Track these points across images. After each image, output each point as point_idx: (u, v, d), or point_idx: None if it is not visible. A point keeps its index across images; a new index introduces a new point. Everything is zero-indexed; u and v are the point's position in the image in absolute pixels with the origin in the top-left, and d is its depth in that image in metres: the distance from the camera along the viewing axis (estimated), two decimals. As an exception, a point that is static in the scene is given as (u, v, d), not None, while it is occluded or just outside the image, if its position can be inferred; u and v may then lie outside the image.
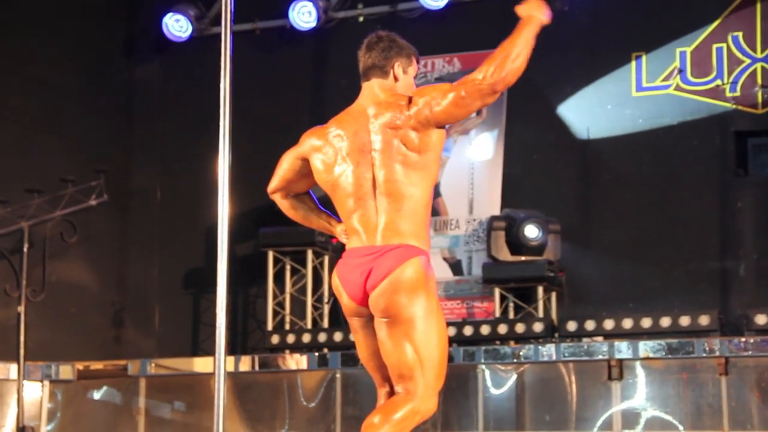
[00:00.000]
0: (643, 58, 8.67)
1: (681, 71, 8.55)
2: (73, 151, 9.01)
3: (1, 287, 7.88)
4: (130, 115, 9.90)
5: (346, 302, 3.93)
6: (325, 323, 8.70)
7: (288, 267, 8.89)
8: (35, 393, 7.88)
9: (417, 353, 3.79)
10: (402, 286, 3.79)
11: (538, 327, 7.76)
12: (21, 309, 7.42)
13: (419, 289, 3.80)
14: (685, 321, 7.47)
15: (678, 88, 8.58)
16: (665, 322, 7.50)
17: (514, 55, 3.86)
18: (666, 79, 8.61)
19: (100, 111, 9.52)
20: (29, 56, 8.99)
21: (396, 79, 4.04)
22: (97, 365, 8.05)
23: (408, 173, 3.88)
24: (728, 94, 8.43)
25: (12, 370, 7.61)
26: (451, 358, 7.23)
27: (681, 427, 6.83)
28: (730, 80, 8.41)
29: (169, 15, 9.48)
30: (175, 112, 9.77)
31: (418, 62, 4.12)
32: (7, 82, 8.85)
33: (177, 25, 9.51)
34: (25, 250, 7.59)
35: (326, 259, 8.85)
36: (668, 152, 8.59)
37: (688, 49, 8.56)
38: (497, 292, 8.39)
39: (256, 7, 9.39)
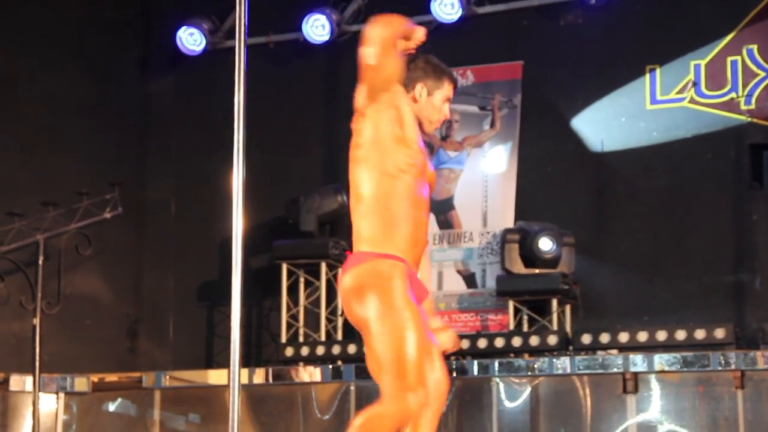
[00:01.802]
0: (657, 71, 8.66)
1: (695, 84, 8.53)
2: (87, 165, 9.04)
3: (16, 300, 7.90)
4: (144, 129, 9.94)
5: None
6: (339, 335, 8.70)
7: (302, 279, 8.89)
8: (50, 405, 7.90)
9: (378, 357, 3.74)
10: (350, 295, 3.81)
11: (552, 340, 7.74)
12: (36, 321, 7.44)
13: (364, 294, 3.77)
14: (700, 334, 7.44)
15: (692, 101, 8.56)
16: (680, 335, 7.48)
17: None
18: (680, 92, 8.60)
19: (115, 124, 9.55)
20: (44, 70, 9.03)
21: (415, 100, 4.03)
22: (111, 377, 8.07)
23: (358, 172, 3.87)
24: (743, 107, 8.41)
25: (27, 382, 7.63)
26: (465, 371, 7.24)
27: (696, 441, 6.81)
28: (745, 93, 8.40)
29: (183, 29, 9.52)
30: (189, 125, 9.81)
31: (455, 86, 4.10)
32: (22, 96, 8.89)
33: (191, 39, 9.54)
34: (41, 262, 7.61)
35: (340, 271, 8.84)
36: (683, 165, 8.57)
37: (703, 62, 8.55)
38: (511, 304, 8.37)
39: (269, 21, 9.42)
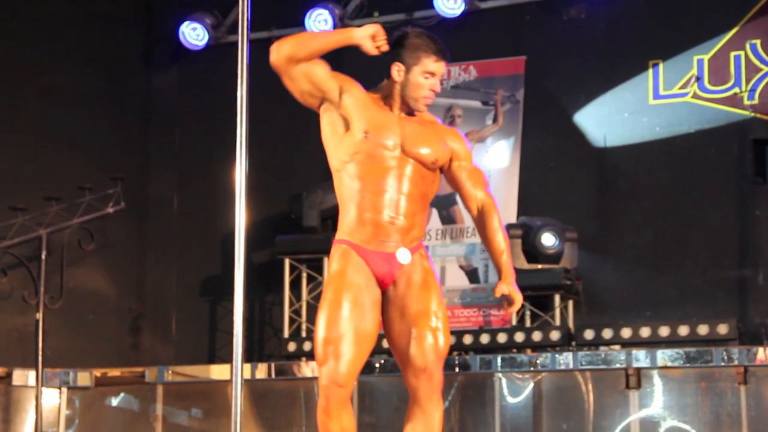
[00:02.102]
0: (660, 65, 8.65)
1: (699, 79, 8.52)
2: (90, 159, 9.04)
3: (19, 294, 7.91)
4: (147, 123, 9.94)
5: None
6: (342, 331, 8.69)
7: (304, 274, 8.89)
8: (53, 400, 7.90)
9: None
10: None
11: (555, 335, 7.74)
12: (39, 316, 7.44)
13: None
14: (703, 330, 7.44)
15: (695, 95, 8.55)
16: (683, 330, 7.47)
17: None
18: (683, 86, 8.59)
19: (118, 119, 9.55)
20: (47, 65, 9.03)
21: (395, 81, 4.09)
22: (114, 372, 8.07)
23: None
24: (746, 102, 8.39)
25: (30, 376, 7.63)
26: (467, 366, 7.24)
27: (699, 436, 6.81)
28: (749, 88, 8.38)
29: (186, 23, 9.52)
30: (192, 120, 9.80)
31: (436, 59, 4.05)
32: (25, 91, 8.89)
33: (194, 34, 9.54)
34: (43, 257, 7.62)
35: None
36: (686, 160, 8.56)
37: (706, 57, 8.54)
38: (514, 300, 8.36)
39: (272, 15, 9.41)
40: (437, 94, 4.12)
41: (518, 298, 4.06)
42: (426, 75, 4.04)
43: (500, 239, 4.10)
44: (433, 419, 3.99)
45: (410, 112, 4.12)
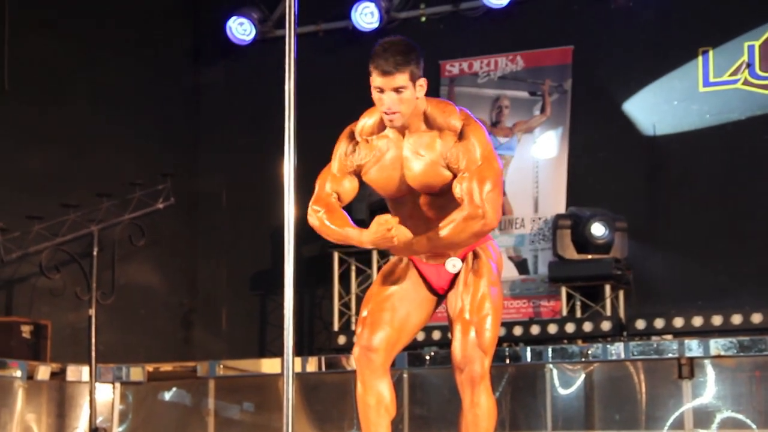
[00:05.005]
0: (710, 53, 8.55)
1: (749, 65, 8.42)
2: (140, 155, 9.12)
3: (71, 290, 7.99)
4: (196, 119, 10.00)
5: None
6: (392, 323, 8.69)
7: (353, 268, 8.91)
8: (107, 395, 7.98)
9: None
10: None
11: (606, 326, 7.69)
12: (92, 312, 7.51)
13: None
14: (756, 318, 7.36)
15: (746, 82, 8.45)
16: (736, 319, 7.40)
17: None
18: (734, 73, 8.49)
19: (167, 115, 9.62)
20: (96, 62, 9.11)
21: None
22: (166, 367, 8.13)
23: None
24: (798, 88, 8.29)
25: (84, 372, 7.71)
26: (518, 358, 7.22)
27: (754, 426, 6.73)
28: (800, 73, 8.28)
29: (233, 19, 9.56)
30: (240, 114, 9.85)
31: (377, 73, 3.82)
32: (75, 88, 8.98)
33: (241, 29, 9.58)
34: (95, 253, 7.69)
35: (391, 259, 8.83)
36: (737, 148, 8.47)
37: (756, 43, 8.44)
38: (564, 290, 8.33)
39: (318, 9, 9.43)
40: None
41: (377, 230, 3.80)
42: (375, 89, 3.84)
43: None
44: (471, 416, 3.89)
45: (414, 124, 3.91)
